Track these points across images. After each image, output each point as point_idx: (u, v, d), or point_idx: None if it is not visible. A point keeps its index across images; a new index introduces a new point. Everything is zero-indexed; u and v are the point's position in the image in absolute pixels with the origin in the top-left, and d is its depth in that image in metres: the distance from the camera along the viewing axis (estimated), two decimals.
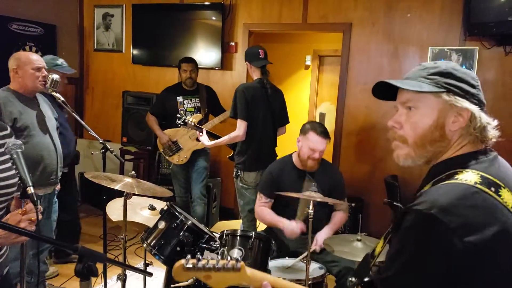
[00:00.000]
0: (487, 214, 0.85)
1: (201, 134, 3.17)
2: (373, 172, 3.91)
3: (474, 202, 0.86)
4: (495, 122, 0.98)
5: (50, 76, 2.48)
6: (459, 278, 0.84)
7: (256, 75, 3.12)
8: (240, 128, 3.00)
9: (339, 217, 2.59)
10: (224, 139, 3.08)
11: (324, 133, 2.48)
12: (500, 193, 0.89)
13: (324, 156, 2.75)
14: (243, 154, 3.09)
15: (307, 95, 5.90)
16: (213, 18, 4.34)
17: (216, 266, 0.98)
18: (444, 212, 0.84)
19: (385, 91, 1.03)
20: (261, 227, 2.98)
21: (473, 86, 0.96)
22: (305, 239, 2.22)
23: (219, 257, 1.00)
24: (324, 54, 5.79)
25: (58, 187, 2.71)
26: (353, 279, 1.07)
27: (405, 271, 0.88)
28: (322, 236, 2.40)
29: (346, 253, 2.06)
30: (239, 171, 3.10)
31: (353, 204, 3.40)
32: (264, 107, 3.08)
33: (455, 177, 0.91)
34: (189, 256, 0.99)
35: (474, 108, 0.94)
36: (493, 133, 0.97)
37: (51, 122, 2.57)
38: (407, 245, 0.88)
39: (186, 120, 3.19)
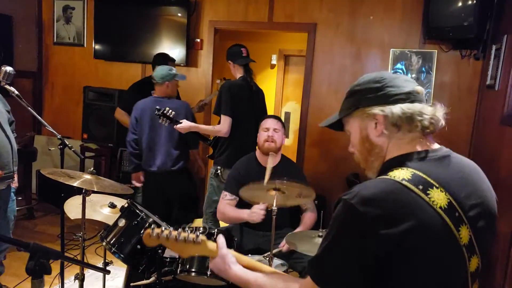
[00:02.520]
0: (405, 210, 0.87)
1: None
2: (335, 170, 3.99)
3: (394, 197, 0.88)
4: (431, 109, 0.99)
5: (2, 68, 2.36)
6: (378, 268, 0.87)
7: (239, 73, 3.16)
8: (225, 124, 3.01)
9: (308, 217, 2.58)
10: (207, 127, 3.14)
11: (276, 117, 2.67)
12: (428, 192, 0.90)
13: (289, 155, 2.79)
14: (224, 151, 3.09)
15: (273, 94, 5.94)
16: (179, 14, 4.29)
17: (178, 238, 1.12)
18: (363, 203, 0.88)
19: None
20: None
21: (377, 90, 1.00)
22: (268, 236, 2.24)
23: (181, 230, 1.12)
24: (289, 54, 5.85)
25: (14, 184, 2.59)
26: None
27: (327, 253, 0.94)
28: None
29: (308, 249, 2.07)
30: (219, 169, 3.09)
31: (316, 202, 3.45)
32: (247, 105, 3.12)
33: (388, 174, 0.94)
34: (154, 225, 1.15)
35: (384, 108, 0.98)
36: (432, 119, 0.97)
37: (2, 115, 2.45)
38: (332, 230, 0.94)
39: (165, 112, 3.12)
